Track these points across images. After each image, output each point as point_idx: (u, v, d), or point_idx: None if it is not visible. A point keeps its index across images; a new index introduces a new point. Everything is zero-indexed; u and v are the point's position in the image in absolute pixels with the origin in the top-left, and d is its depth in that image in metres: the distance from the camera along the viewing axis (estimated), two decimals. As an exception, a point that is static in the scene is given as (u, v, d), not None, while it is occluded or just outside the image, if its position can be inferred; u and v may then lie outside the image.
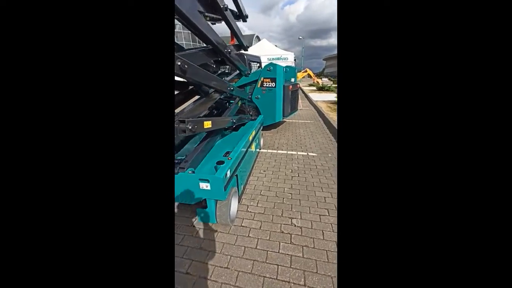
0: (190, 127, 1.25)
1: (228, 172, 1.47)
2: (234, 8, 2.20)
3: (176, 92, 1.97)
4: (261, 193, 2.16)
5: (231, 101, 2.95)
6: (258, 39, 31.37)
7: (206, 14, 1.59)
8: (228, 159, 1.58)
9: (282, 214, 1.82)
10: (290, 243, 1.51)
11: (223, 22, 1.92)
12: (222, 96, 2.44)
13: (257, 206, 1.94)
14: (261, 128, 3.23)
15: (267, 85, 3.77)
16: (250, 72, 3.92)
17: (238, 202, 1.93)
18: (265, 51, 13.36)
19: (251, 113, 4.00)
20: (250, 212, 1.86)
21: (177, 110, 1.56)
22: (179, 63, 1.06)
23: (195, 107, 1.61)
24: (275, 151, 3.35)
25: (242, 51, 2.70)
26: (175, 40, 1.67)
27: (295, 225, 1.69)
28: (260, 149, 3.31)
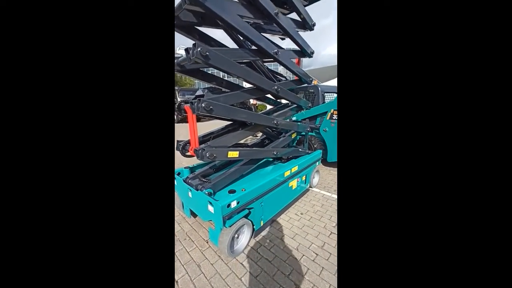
0: (207, 155, 1.47)
1: (234, 203, 1.51)
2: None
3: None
4: (283, 238, 1.92)
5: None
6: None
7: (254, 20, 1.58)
8: (241, 190, 1.63)
9: (288, 275, 1.51)
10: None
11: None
12: (270, 128, 2.51)
13: (269, 250, 1.76)
14: (317, 163, 2.90)
15: (337, 118, 3.38)
16: (319, 103, 3.73)
17: (253, 237, 1.86)
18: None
19: (315, 146, 3.72)
20: (259, 254, 1.72)
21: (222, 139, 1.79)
22: (203, 105, 1.34)
23: (229, 136, 1.83)
24: (330, 194, 2.84)
25: (318, 83, 2.67)
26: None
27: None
28: (311, 187, 2.96)
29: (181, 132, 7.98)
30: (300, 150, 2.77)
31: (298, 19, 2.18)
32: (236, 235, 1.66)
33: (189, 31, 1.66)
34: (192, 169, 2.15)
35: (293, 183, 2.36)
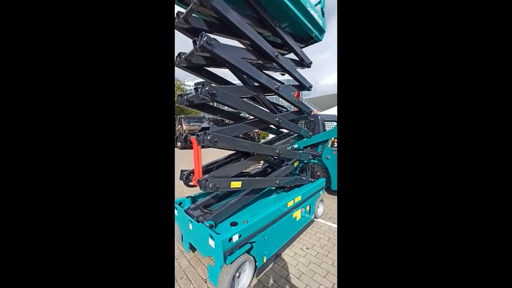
0: (211, 185, 1.48)
1: (236, 237, 1.45)
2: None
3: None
4: (288, 278, 1.77)
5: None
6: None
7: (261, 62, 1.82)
8: (244, 222, 1.58)
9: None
10: None
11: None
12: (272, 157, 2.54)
13: (273, 292, 1.61)
14: (321, 192, 2.83)
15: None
16: (320, 132, 3.83)
17: (255, 276, 1.72)
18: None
19: (318, 174, 3.69)
20: (263, 296, 1.57)
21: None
22: (208, 137, 1.41)
23: (233, 165, 1.87)
24: (336, 225, 2.70)
25: (318, 113, 2.80)
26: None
27: None
28: (316, 218, 2.83)
29: (184, 158, 8.06)
30: (303, 178, 2.75)
31: (296, 58, 2.43)
32: (237, 274, 1.54)
33: (199, 71, 1.85)
34: (194, 199, 2.12)
35: (297, 214, 2.27)
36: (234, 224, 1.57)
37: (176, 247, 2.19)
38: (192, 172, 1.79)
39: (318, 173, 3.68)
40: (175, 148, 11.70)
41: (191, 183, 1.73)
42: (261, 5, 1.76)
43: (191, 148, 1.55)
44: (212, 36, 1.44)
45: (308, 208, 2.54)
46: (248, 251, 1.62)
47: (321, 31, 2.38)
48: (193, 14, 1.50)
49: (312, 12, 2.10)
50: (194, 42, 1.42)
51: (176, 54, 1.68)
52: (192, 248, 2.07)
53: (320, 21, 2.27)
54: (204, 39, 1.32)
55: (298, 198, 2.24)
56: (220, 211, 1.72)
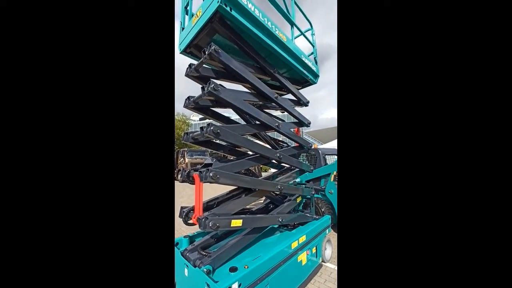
0: (210, 224, 1.42)
1: (236, 286, 1.31)
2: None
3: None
4: None
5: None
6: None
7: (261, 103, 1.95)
8: (244, 267, 1.45)
9: None
10: None
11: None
12: (274, 193, 2.50)
13: None
14: (327, 231, 2.65)
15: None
16: (322, 165, 3.83)
17: (257, 337, 1.47)
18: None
19: (323, 210, 3.52)
20: None
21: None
22: (211, 174, 1.43)
23: (234, 202, 1.83)
24: (347, 272, 2.41)
25: (318, 146, 2.86)
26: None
27: None
28: (324, 262, 2.56)
29: (184, 192, 7.85)
30: (307, 215, 2.62)
31: (294, 98, 2.65)
32: (236, 334, 1.33)
33: (205, 111, 2.02)
34: (191, 239, 2.00)
35: (303, 257, 2.08)
36: (233, 269, 1.44)
37: (167, 298, 1.94)
38: (192, 209, 1.74)
39: (322, 209, 3.52)
40: (176, 181, 11.54)
41: (190, 221, 1.67)
42: (262, 56, 2.04)
43: (192, 183, 1.55)
44: (218, 82, 1.64)
45: (314, 250, 2.34)
46: (248, 304, 1.43)
47: (315, 75, 2.67)
48: (203, 65, 1.74)
49: (306, 61, 2.41)
50: (203, 88, 1.60)
51: (185, 98, 1.86)
52: (186, 300, 1.83)
53: (314, 68, 2.57)
54: (212, 86, 1.50)
55: (303, 238, 2.09)
56: (219, 253, 1.60)
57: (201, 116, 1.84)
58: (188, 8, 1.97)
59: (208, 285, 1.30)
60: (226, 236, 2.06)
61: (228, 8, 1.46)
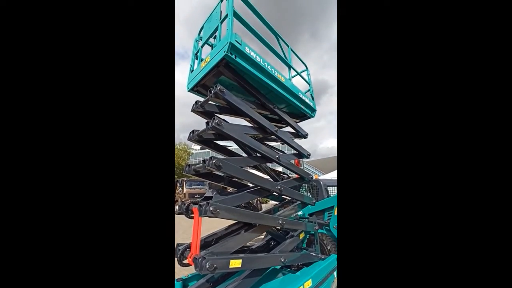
0: (207, 266, 1.31)
1: None
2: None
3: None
4: None
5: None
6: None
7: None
8: (243, 320, 1.27)
9: None
10: None
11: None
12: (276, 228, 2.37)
13: None
14: (334, 273, 2.39)
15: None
16: (324, 197, 3.72)
17: None
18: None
19: (328, 248, 3.26)
20: None
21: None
22: (211, 208, 1.40)
23: (233, 239, 1.72)
24: (362, 327, 2.08)
25: (320, 177, 2.83)
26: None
27: None
28: (334, 313, 2.24)
29: (180, 225, 7.37)
30: (312, 254, 2.41)
31: (293, 131, 2.77)
32: None
33: (208, 144, 2.09)
34: (185, 282, 1.81)
35: (309, 307, 1.83)
36: None
37: None
38: (189, 246, 1.63)
39: (328, 247, 3.26)
40: (172, 213, 10.93)
41: (185, 261, 1.54)
42: (262, 94, 2.23)
43: (191, 218, 1.50)
44: (221, 116, 1.75)
45: (323, 296, 2.07)
46: None
47: (312, 110, 2.84)
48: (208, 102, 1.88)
49: (303, 97, 2.61)
50: (207, 123, 1.70)
51: (190, 131, 1.96)
52: None
53: (311, 103, 2.76)
54: (216, 122, 1.60)
55: (309, 284, 1.88)
56: (215, 301, 1.42)
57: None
58: (198, 54, 2.25)
59: None
60: (223, 280, 1.87)
61: (233, 56, 1.67)
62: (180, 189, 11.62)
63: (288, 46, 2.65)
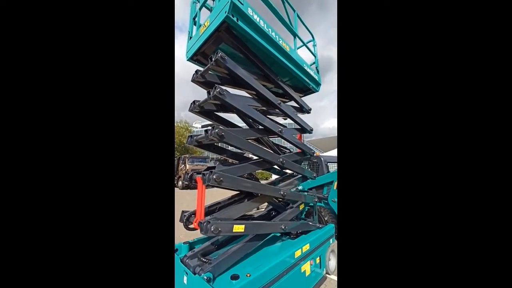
0: (212, 229, 1.39)
1: (237, 295, 1.26)
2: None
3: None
4: None
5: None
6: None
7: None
8: (246, 276, 1.40)
9: None
10: None
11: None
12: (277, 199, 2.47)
13: None
14: (331, 241, 2.57)
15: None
16: (324, 173, 3.80)
17: None
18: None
19: (326, 219, 3.45)
20: None
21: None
22: (214, 177, 1.43)
23: (236, 207, 1.80)
24: (352, 284, 2.31)
25: (320, 154, 2.85)
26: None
27: None
28: (328, 274, 2.47)
29: (184, 199, 7.75)
30: (310, 223, 2.56)
31: (297, 105, 2.69)
32: None
33: (209, 115, 2.05)
34: (191, 245, 1.95)
35: (306, 267, 2.01)
36: (235, 277, 1.39)
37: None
38: (194, 213, 1.72)
39: (325, 218, 3.44)
40: (176, 188, 11.45)
41: (191, 226, 1.64)
42: (265, 64, 2.10)
43: (195, 188, 1.54)
44: (223, 87, 1.68)
45: (318, 260, 2.26)
46: (250, 316, 1.37)
47: (317, 84, 2.72)
48: (209, 72, 1.79)
49: (308, 70, 2.47)
50: (208, 93, 1.63)
51: (191, 102, 1.90)
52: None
53: (315, 77, 2.63)
54: (217, 90, 1.53)
55: (307, 247, 2.03)
56: (219, 260, 1.55)
57: (203, 123, 1.87)
58: (196, 19, 2.06)
59: (210, 293, 1.25)
60: (227, 244, 2.01)
61: (235, 19, 1.53)
62: (183, 165, 11.93)
63: (294, 11, 2.42)
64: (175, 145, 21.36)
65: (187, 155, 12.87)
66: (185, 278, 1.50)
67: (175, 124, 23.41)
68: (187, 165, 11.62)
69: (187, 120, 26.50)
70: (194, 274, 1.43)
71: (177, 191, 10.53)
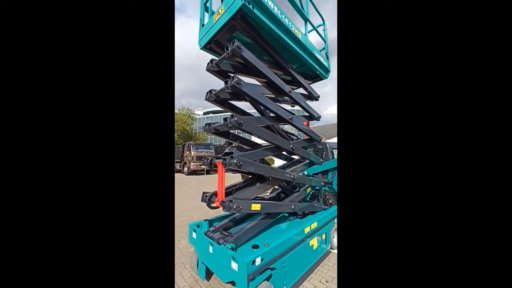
0: (234, 206, 1.57)
1: (259, 260, 1.46)
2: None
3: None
4: (309, 311, 1.66)
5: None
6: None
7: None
8: (265, 246, 1.60)
9: None
10: None
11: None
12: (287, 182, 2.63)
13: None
14: (335, 220, 2.79)
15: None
16: (329, 159, 3.95)
17: (275, 308, 1.63)
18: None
19: (330, 201, 3.66)
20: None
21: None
22: (235, 161, 1.57)
23: (250, 189, 1.96)
24: (354, 257, 2.56)
25: (325, 140, 2.95)
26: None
27: None
28: (332, 249, 2.72)
29: (191, 184, 8.08)
30: (316, 205, 2.76)
31: (306, 93, 2.75)
32: (257, 304, 1.49)
33: (223, 103, 2.14)
34: (211, 222, 2.16)
35: (314, 242, 2.23)
36: (255, 247, 1.59)
37: (189, 275, 2.12)
38: (215, 194, 1.89)
39: (330, 201, 3.65)
40: (182, 174, 11.82)
41: (214, 205, 1.82)
42: (277, 52, 2.13)
43: (203, 173, 1.68)
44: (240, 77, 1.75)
45: (324, 236, 2.49)
46: (268, 279, 1.59)
47: (326, 70, 2.75)
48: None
49: (318, 56, 2.48)
50: (226, 82, 1.71)
51: (207, 91, 1.98)
52: (208, 276, 2.01)
53: (325, 63, 2.65)
54: (235, 80, 1.61)
55: (314, 225, 2.23)
56: (239, 234, 1.75)
57: (205, 110, 1.96)
58: (208, 5, 2.06)
59: (234, 258, 1.45)
60: (243, 221, 2.22)
61: (250, 6, 1.55)
62: (188, 152, 12.19)
63: (305, -6, 2.37)
64: (179, 133, 21.48)
65: (192, 142, 13.06)
66: (210, 248, 1.71)
67: (178, 111, 23.39)
68: (191, 152, 11.87)
69: (189, 108, 26.32)
70: (219, 244, 1.63)
71: (183, 176, 10.90)
